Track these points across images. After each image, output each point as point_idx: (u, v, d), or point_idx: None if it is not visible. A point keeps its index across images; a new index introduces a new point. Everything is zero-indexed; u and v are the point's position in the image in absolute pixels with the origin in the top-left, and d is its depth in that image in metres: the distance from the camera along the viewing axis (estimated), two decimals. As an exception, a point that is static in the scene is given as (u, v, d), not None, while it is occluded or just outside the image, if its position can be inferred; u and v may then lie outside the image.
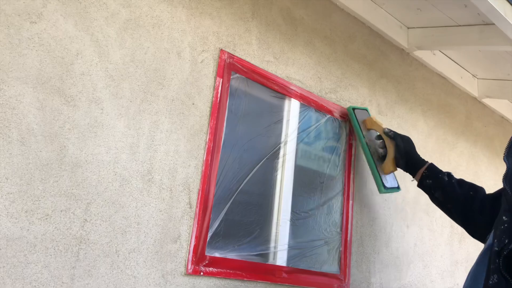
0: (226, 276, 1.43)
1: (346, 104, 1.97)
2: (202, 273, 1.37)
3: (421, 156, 1.75)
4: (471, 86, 2.67)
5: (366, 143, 1.84)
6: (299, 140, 1.77)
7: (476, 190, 1.57)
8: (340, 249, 1.80)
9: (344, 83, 1.98)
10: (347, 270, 1.80)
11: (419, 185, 1.69)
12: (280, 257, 1.62)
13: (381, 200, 2.05)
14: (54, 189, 1.14)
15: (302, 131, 1.78)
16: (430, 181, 1.63)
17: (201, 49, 1.50)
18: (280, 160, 1.70)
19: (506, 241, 1.02)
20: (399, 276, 2.07)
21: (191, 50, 1.47)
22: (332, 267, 1.77)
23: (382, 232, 2.03)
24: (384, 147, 1.78)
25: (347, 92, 1.99)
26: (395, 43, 2.25)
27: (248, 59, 1.62)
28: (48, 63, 1.17)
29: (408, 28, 2.27)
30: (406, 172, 1.74)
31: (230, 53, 1.57)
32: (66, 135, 1.18)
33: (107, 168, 1.24)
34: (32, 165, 1.11)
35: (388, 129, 1.77)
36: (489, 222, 1.37)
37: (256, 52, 1.66)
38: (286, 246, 1.64)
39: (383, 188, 1.78)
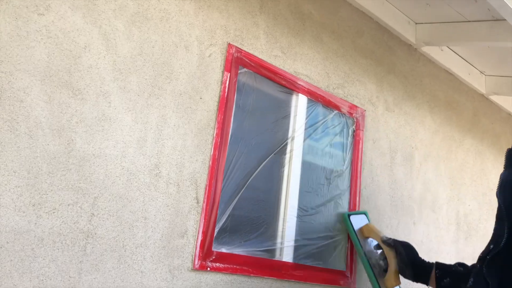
0: (232, 271, 1.42)
1: (354, 100, 1.95)
2: (209, 269, 1.37)
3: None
4: (479, 83, 2.65)
5: (365, 254, 1.66)
6: (306, 135, 1.75)
7: None
8: (347, 245, 1.79)
9: (352, 79, 1.97)
10: (353, 266, 1.79)
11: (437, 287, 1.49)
12: (287, 253, 1.61)
13: (388, 198, 2.03)
14: (61, 183, 1.13)
15: (309, 126, 1.77)
16: (448, 279, 1.45)
17: (209, 43, 1.48)
18: (287, 155, 1.68)
19: (491, 246, 1.02)
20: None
21: (198, 43, 1.45)
22: (338, 264, 1.76)
23: (389, 229, 2.01)
24: (385, 258, 1.59)
25: (354, 87, 1.97)
26: (403, 38, 2.23)
27: (256, 54, 1.61)
28: (56, 55, 1.16)
29: (416, 23, 2.25)
30: (416, 282, 1.54)
31: (238, 47, 1.55)
32: (73, 128, 1.17)
33: (115, 162, 1.23)
34: (40, 158, 1.10)
35: (386, 237, 1.60)
36: None
37: (264, 47, 1.64)
38: (293, 243, 1.63)
39: None
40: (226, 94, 1.49)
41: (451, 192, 2.44)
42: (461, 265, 1.47)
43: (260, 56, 1.62)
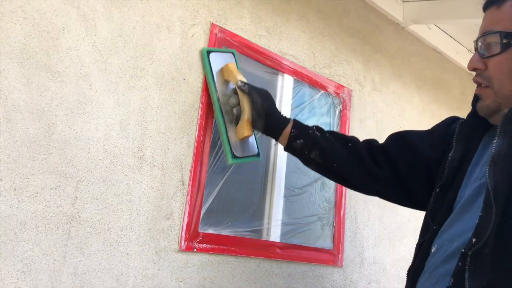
0: (219, 252, 1.43)
1: (340, 80, 1.94)
2: (195, 250, 1.37)
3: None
4: (467, 61, 2.63)
5: (218, 99, 1.42)
6: (293, 116, 1.75)
7: (353, 140, 1.34)
8: (334, 224, 1.81)
9: (338, 58, 1.95)
10: (340, 245, 1.81)
11: (287, 149, 1.36)
12: (274, 233, 1.62)
13: (375, 176, 2.05)
14: (43, 167, 1.12)
15: (296, 107, 1.76)
16: (301, 140, 1.30)
17: (192, 23, 1.46)
18: (274, 136, 1.68)
19: (474, 240, 0.85)
20: (392, 251, 2.09)
21: (181, 24, 1.43)
22: (325, 243, 1.78)
23: (376, 208, 2.03)
24: (238, 105, 1.39)
25: (341, 67, 1.96)
26: (390, 17, 2.21)
27: (240, 34, 1.59)
28: (33, 37, 1.13)
29: (403, 1, 2.23)
30: (266, 135, 1.39)
31: (222, 27, 1.53)
32: (54, 111, 1.15)
33: (97, 145, 1.22)
34: (20, 142, 1.09)
35: (241, 81, 1.36)
36: (391, 175, 1.24)
37: (248, 26, 1.62)
38: (280, 222, 1.64)
39: (231, 157, 1.39)
40: (210, 75, 1.47)
41: (438, 170, 2.46)
42: (319, 129, 1.34)
43: (244, 36, 1.60)
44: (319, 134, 1.31)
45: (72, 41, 1.20)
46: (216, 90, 1.42)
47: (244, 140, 1.42)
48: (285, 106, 1.72)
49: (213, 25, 1.50)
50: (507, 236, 0.82)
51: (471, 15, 2.02)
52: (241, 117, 1.37)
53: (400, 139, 1.30)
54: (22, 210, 1.08)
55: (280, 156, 1.68)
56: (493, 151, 0.87)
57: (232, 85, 1.44)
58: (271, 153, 1.67)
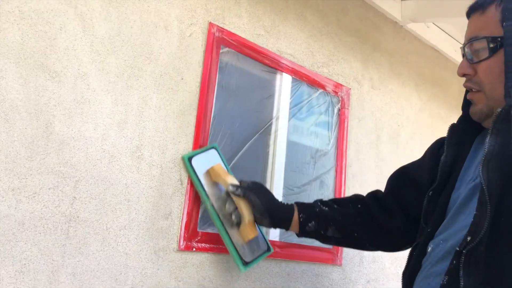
0: (218, 251, 1.43)
1: (339, 79, 1.94)
2: (194, 249, 1.37)
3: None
4: (465, 59, 2.65)
5: (213, 206, 1.33)
6: (291, 115, 1.75)
7: (359, 199, 1.32)
8: (333, 223, 1.81)
9: (337, 57, 1.95)
10: (339, 244, 1.81)
11: (301, 235, 1.32)
12: (273, 232, 1.62)
13: (374, 176, 2.05)
14: (41, 167, 1.12)
15: (294, 106, 1.76)
16: (313, 222, 1.26)
17: (189, 22, 1.46)
18: (272, 135, 1.68)
19: (469, 238, 0.85)
20: (391, 249, 2.09)
21: (178, 23, 1.43)
22: (324, 242, 1.78)
23: (375, 206, 2.03)
24: (235, 209, 1.31)
25: (339, 66, 1.96)
26: (388, 15, 2.21)
27: (238, 33, 1.59)
28: (30, 37, 1.13)
29: (401, 0, 2.23)
30: (276, 228, 1.33)
31: (220, 27, 1.53)
32: (51, 111, 1.15)
33: (95, 145, 1.22)
34: (17, 142, 1.09)
35: (233, 185, 1.28)
36: (407, 220, 1.21)
37: (246, 26, 1.62)
38: (279, 221, 1.64)
39: (242, 266, 1.33)
40: (208, 74, 1.47)
41: (437, 169, 2.46)
42: (324, 203, 1.31)
43: (242, 35, 1.60)
44: (327, 208, 1.28)
45: (70, 41, 1.20)
46: (208, 197, 1.33)
47: (251, 241, 1.35)
48: (283, 105, 1.72)
49: (211, 24, 1.50)
50: (499, 233, 0.83)
51: (469, 13, 2.02)
52: (242, 220, 1.29)
53: (400, 178, 1.31)
54: (20, 210, 1.08)
55: (279, 155, 1.68)
56: (485, 150, 0.87)
57: (223, 187, 1.35)
58: (270, 153, 1.67)
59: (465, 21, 2.37)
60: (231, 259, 1.38)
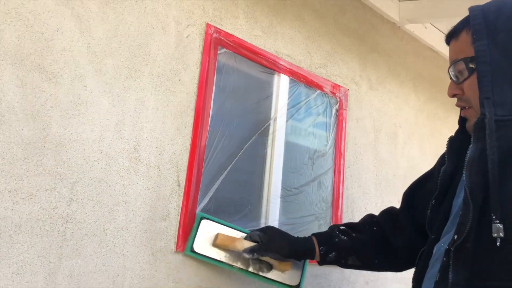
0: (216, 253, 1.43)
1: (337, 80, 1.94)
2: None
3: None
4: (463, 60, 2.65)
5: (240, 269, 1.36)
6: (289, 116, 1.75)
7: (373, 221, 1.37)
8: (331, 224, 1.81)
9: (334, 58, 1.95)
10: (338, 245, 1.81)
11: (322, 264, 1.36)
12: (271, 233, 1.61)
13: (372, 176, 2.05)
14: (38, 168, 1.12)
15: (292, 107, 1.76)
16: (333, 253, 1.32)
17: (187, 23, 1.46)
18: (270, 136, 1.68)
19: (455, 236, 0.92)
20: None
21: (176, 24, 1.43)
22: (323, 242, 1.78)
23: (373, 207, 2.03)
24: (261, 263, 1.36)
25: (337, 67, 1.96)
26: (386, 16, 2.21)
27: (235, 34, 1.59)
28: (27, 38, 1.13)
29: (399, 1, 2.24)
30: (304, 259, 1.42)
31: (217, 28, 1.53)
32: (48, 113, 1.15)
33: (92, 146, 1.21)
34: (14, 144, 1.08)
35: (247, 252, 1.30)
36: (415, 238, 1.24)
37: (243, 26, 1.62)
38: (277, 223, 1.64)
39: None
40: (205, 75, 1.47)
41: (435, 169, 2.46)
42: (341, 231, 1.34)
43: (240, 36, 1.60)
44: (345, 238, 1.33)
45: (67, 42, 1.20)
46: (231, 265, 1.35)
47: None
48: (281, 106, 1.71)
49: (208, 25, 1.50)
50: (484, 232, 0.88)
51: (465, 14, 2.02)
52: (273, 265, 1.36)
53: (415, 191, 1.34)
54: (17, 212, 1.07)
55: (277, 156, 1.68)
56: (467, 156, 0.96)
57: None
58: (268, 154, 1.67)
59: (462, 21, 2.36)
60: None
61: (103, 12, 1.27)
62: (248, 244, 1.33)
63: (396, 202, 2.15)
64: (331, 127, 1.89)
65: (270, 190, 1.64)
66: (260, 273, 1.37)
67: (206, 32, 1.49)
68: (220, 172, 1.50)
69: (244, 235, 1.39)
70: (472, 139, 0.96)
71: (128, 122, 1.29)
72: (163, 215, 1.33)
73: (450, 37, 1.07)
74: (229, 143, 1.54)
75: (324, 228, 1.81)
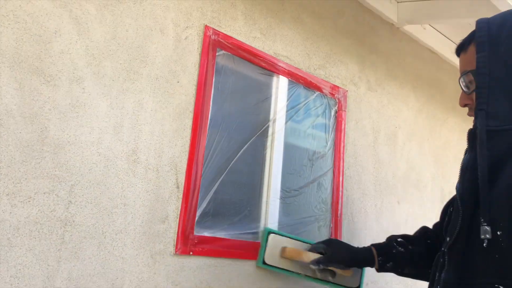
0: (215, 255, 1.42)
1: (336, 81, 1.94)
2: (191, 253, 1.37)
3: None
4: (462, 61, 2.65)
5: (309, 276, 1.53)
6: (288, 117, 1.74)
7: (428, 234, 1.44)
8: (331, 225, 1.80)
9: (333, 59, 1.95)
10: (338, 246, 1.80)
11: (380, 271, 1.46)
12: (270, 235, 1.61)
13: (371, 177, 2.04)
14: (36, 171, 1.11)
15: (290, 108, 1.76)
16: (391, 263, 1.42)
17: (185, 25, 1.46)
18: (269, 138, 1.68)
19: (448, 238, 1.01)
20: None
21: (174, 26, 1.43)
22: (323, 244, 1.77)
23: (373, 209, 2.03)
24: (327, 271, 1.50)
25: (336, 68, 1.96)
26: (384, 17, 2.21)
27: (234, 35, 1.58)
28: (25, 41, 1.13)
29: (398, 2, 2.24)
30: (363, 267, 1.58)
31: (215, 29, 1.53)
32: (46, 115, 1.14)
33: (91, 149, 1.21)
34: (12, 146, 1.08)
35: (314, 263, 1.47)
36: None
37: (242, 28, 1.62)
38: (277, 224, 1.63)
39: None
40: (204, 77, 1.47)
41: (435, 170, 2.46)
42: (399, 243, 1.43)
43: (238, 38, 1.60)
44: (403, 249, 1.41)
45: (65, 45, 1.19)
46: (300, 274, 1.53)
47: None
48: (280, 107, 1.71)
49: (206, 27, 1.50)
50: (473, 233, 0.95)
51: (465, 15, 2.02)
52: (337, 272, 1.50)
53: (450, 203, 1.37)
54: (15, 215, 1.07)
55: (276, 157, 1.68)
56: (461, 164, 1.03)
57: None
58: (267, 155, 1.67)
59: (461, 22, 2.37)
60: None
61: (101, 14, 1.27)
62: (313, 255, 1.48)
63: (395, 203, 2.15)
64: (330, 129, 1.89)
65: (270, 192, 1.64)
66: (325, 279, 1.52)
67: (205, 34, 1.49)
68: (219, 174, 1.50)
69: (308, 246, 1.55)
70: (467, 148, 1.03)
71: (126, 125, 1.29)
72: (162, 217, 1.33)
73: (460, 50, 1.11)
74: (228, 145, 1.54)
75: (324, 230, 1.80)
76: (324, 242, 1.50)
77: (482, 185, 0.93)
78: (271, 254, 1.51)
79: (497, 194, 0.92)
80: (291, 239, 1.57)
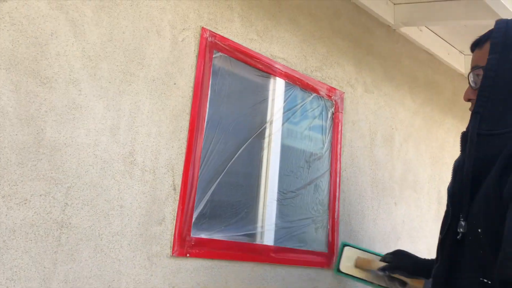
0: (212, 257, 1.42)
1: (332, 83, 1.94)
2: (188, 255, 1.37)
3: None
4: (458, 62, 2.66)
5: (380, 286, 1.68)
6: (285, 119, 1.75)
7: None
8: (328, 227, 1.80)
9: (330, 61, 1.96)
10: (335, 248, 1.81)
11: None
12: (268, 237, 1.61)
13: (368, 179, 2.05)
14: (32, 173, 1.11)
15: (287, 110, 1.76)
16: None
17: (182, 27, 1.46)
18: (266, 139, 1.68)
19: (440, 236, 1.07)
20: (387, 252, 2.08)
21: (171, 28, 1.43)
22: (319, 245, 1.78)
23: (370, 210, 2.03)
24: (395, 279, 1.60)
25: (332, 70, 1.96)
26: (381, 19, 2.22)
27: (230, 37, 1.59)
28: (21, 43, 1.13)
29: (394, 4, 2.24)
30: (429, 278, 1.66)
31: (212, 31, 1.53)
32: (43, 117, 1.14)
33: (87, 151, 1.21)
34: (8, 149, 1.08)
35: (381, 270, 1.59)
36: None
37: (238, 30, 1.62)
38: (274, 226, 1.64)
39: None
40: (201, 79, 1.47)
41: (432, 171, 2.46)
42: None
43: (235, 40, 1.60)
44: None
45: (61, 47, 1.19)
46: (372, 283, 1.68)
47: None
48: (277, 109, 1.71)
49: (203, 29, 1.50)
50: (456, 229, 1.01)
51: (462, 17, 2.03)
52: (407, 283, 1.58)
53: None
54: (11, 218, 1.07)
55: (273, 159, 1.68)
56: (454, 165, 1.07)
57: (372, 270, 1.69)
58: (264, 157, 1.67)
59: (457, 24, 2.38)
60: None
61: (98, 16, 1.27)
62: (381, 264, 1.61)
63: (392, 204, 2.16)
64: (327, 130, 1.89)
65: (267, 193, 1.64)
66: (392, 284, 1.63)
67: (201, 36, 1.50)
68: (216, 176, 1.50)
69: (379, 257, 1.68)
70: (460, 150, 1.06)
71: (123, 127, 1.29)
72: (158, 219, 1.33)
73: (475, 46, 1.11)
74: (225, 146, 1.54)
75: (321, 231, 1.81)
76: (391, 252, 1.62)
77: (466, 184, 0.98)
78: (345, 263, 1.72)
79: (479, 194, 0.96)
80: (364, 252, 1.76)
